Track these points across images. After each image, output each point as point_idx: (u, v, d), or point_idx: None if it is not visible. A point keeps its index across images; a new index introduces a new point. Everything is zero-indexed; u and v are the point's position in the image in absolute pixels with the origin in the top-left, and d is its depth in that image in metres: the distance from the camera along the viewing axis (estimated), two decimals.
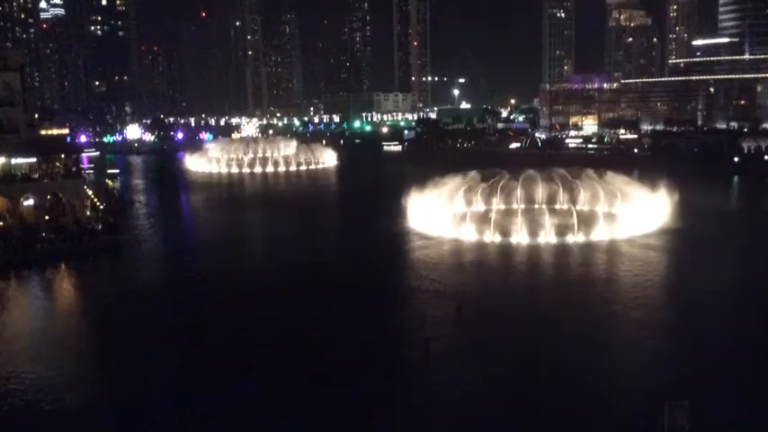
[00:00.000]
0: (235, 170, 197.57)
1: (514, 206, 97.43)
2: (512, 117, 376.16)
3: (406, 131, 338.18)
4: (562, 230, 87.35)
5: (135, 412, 43.93)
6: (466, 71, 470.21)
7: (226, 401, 44.38)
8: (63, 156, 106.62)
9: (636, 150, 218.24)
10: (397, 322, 60.02)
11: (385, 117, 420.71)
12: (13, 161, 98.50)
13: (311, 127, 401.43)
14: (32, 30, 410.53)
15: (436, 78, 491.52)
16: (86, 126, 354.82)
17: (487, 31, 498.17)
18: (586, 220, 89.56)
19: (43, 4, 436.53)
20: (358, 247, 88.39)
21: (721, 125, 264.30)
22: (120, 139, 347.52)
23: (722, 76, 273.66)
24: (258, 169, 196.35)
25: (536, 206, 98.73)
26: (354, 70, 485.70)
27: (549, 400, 43.85)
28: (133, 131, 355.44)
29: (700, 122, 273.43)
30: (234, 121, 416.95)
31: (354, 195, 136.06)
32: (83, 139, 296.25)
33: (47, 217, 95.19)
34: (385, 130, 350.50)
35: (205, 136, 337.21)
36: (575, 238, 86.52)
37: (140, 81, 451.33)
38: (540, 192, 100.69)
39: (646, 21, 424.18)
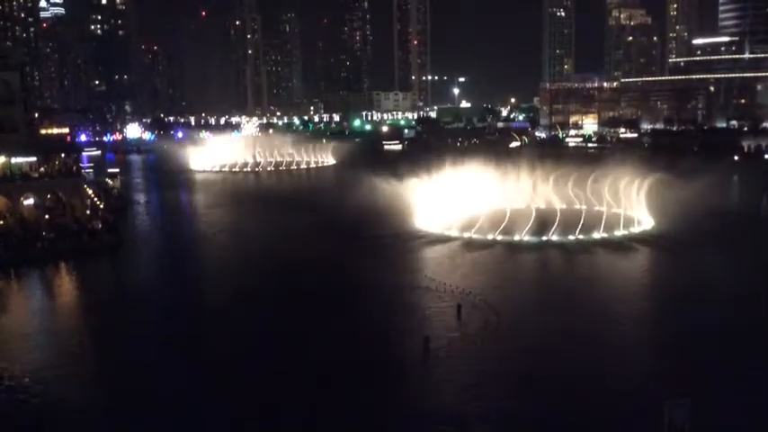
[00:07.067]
0: (235, 168, 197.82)
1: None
2: (512, 116, 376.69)
3: (406, 130, 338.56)
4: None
5: (124, 415, 43.91)
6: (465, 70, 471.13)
7: (223, 402, 44.37)
8: (63, 155, 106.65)
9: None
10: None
11: (385, 116, 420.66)
12: (13, 160, 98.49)
13: (311, 126, 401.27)
14: (32, 29, 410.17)
15: (436, 77, 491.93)
16: (86, 125, 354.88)
17: (488, 29, 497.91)
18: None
19: (43, 3, 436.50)
20: (356, 245, 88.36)
21: (721, 124, 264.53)
22: (117, 138, 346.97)
23: (722, 75, 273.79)
24: (258, 168, 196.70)
25: None
26: (354, 69, 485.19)
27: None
28: (133, 130, 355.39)
29: (700, 121, 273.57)
30: (234, 119, 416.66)
31: (354, 193, 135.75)
32: (83, 138, 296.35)
33: (47, 216, 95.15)
34: (385, 128, 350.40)
35: (201, 134, 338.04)
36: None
37: (140, 80, 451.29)
38: None
39: (646, 19, 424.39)
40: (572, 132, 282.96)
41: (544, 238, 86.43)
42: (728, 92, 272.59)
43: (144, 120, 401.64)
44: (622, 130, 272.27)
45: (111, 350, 56.00)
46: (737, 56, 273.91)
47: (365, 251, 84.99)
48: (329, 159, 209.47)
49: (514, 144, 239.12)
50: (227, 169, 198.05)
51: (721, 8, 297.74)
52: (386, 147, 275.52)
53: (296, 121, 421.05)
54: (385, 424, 41.91)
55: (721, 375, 46.56)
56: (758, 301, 62.13)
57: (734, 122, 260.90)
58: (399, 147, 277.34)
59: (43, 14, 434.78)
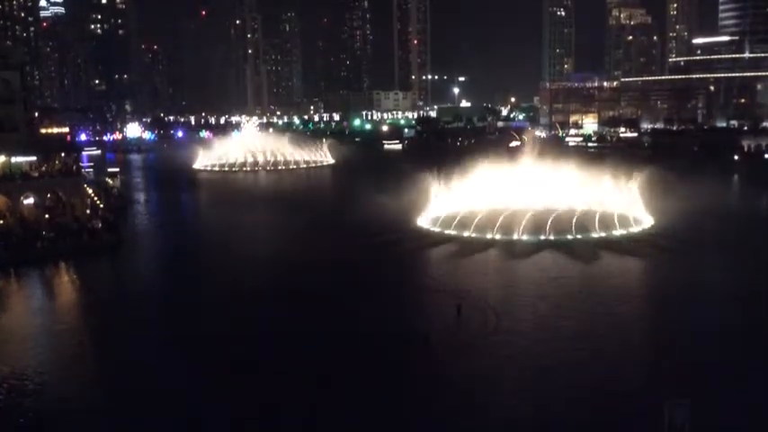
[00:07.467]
0: (235, 168, 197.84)
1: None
2: (512, 115, 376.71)
3: (406, 130, 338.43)
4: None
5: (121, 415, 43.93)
6: (465, 69, 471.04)
7: (223, 402, 44.38)
8: (63, 154, 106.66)
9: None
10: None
11: (385, 115, 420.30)
12: (13, 160, 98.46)
13: (311, 125, 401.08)
14: (32, 28, 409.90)
15: (436, 77, 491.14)
16: (86, 124, 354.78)
17: (488, 29, 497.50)
18: None
19: (43, 3, 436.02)
20: (356, 245, 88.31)
21: (721, 123, 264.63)
22: (117, 138, 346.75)
23: (722, 75, 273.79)
24: (258, 167, 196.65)
25: None
26: (354, 69, 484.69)
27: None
28: (133, 130, 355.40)
29: (700, 121, 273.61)
30: (234, 119, 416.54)
31: (355, 193, 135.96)
32: (83, 137, 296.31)
33: (47, 215, 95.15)
34: (385, 128, 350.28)
35: (201, 133, 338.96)
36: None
37: (140, 79, 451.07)
38: None
39: (646, 19, 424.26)
40: (572, 132, 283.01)
41: (542, 237, 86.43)
42: (728, 91, 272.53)
43: (144, 119, 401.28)
44: (622, 129, 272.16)
45: (111, 350, 56.02)
46: (737, 55, 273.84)
47: (364, 250, 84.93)
48: (329, 159, 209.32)
49: (514, 143, 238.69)
50: (226, 168, 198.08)
51: (721, 8, 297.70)
52: (386, 146, 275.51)
53: (296, 120, 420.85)
54: (384, 424, 41.92)
55: (722, 375, 46.60)
56: (758, 301, 62.18)
57: (734, 122, 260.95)
58: (399, 146, 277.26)
59: (43, 14, 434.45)
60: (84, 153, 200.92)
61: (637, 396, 43.61)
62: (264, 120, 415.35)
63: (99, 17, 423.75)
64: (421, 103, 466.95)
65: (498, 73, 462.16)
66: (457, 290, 66.31)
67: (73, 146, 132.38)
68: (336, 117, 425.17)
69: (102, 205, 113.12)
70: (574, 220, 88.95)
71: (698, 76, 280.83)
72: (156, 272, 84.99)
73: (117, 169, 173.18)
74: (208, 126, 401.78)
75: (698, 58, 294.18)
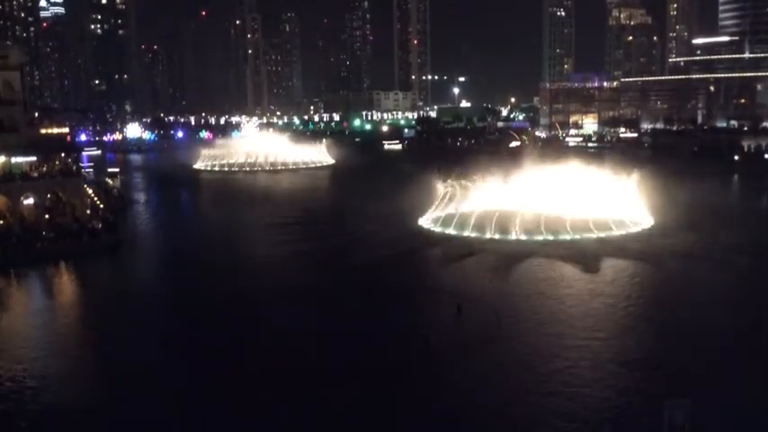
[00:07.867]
0: (234, 168, 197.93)
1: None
2: (512, 116, 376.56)
3: (406, 130, 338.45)
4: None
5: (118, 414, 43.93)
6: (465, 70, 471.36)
7: (223, 402, 44.38)
8: (63, 154, 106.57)
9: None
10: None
11: (385, 116, 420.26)
12: (13, 160, 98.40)
13: (311, 125, 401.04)
14: (32, 28, 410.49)
15: (436, 77, 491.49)
16: (86, 125, 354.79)
17: (488, 29, 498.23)
18: None
19: (43, 3, 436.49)
20: (356, 245, 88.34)
21: (721, 124, 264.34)
22: (117, 138, 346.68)
23: (722, 75, 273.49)
24: (257, 167, 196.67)
25: None
26: (354, 69, 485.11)
27: None
28: (133, 130, 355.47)
29: (700, 121, 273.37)
30: (234, 119, 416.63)
31: (355, 193, 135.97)
32: (83, 137, 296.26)
33: (47, 216, 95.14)
34: (385, 128, 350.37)
35: (201, 133, 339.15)
36: None
37: (140, 80, 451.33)
38: None
39: (646, 19, 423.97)
40: (572, 132, 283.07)
41: (542, 237, 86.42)
42: (728, 91, 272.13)
43: (144, 119, 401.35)
44: (622, 129, 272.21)
45: (110, 350, 56.00)
46: (737, 55, 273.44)
47: (365, 250, 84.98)
48: (329, 159, 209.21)
49: (514, 144, 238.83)
50: (226, 169, 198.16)
51: (721, 8, 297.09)
52: (386, 146, 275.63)
53: (296, 120, 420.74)
54: (385, 424, 41.93)
55: (722, 375, 46.64)
56: (759, 301, 62.18)
57: (734, 122, 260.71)
58: (399, 146, 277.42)
59: (43, 14, 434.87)
60: (84, 153, 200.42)
61: (638, 395, 43.65)
62: (264, 120, 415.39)
63: (99, 17, 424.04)
64: (421, 104, 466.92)
65: (498, 73, 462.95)
66: (457, 289, 66.30)
67: (73, 146, 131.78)
68: (336, 117, 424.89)
69: (102, 206, 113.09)
70: (574, 221, 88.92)
71: (698, 76, 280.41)
72: (155, 272, 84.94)
73: (117, 169, 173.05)
74: (208, 126, 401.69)
75: (698, 58, 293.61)
